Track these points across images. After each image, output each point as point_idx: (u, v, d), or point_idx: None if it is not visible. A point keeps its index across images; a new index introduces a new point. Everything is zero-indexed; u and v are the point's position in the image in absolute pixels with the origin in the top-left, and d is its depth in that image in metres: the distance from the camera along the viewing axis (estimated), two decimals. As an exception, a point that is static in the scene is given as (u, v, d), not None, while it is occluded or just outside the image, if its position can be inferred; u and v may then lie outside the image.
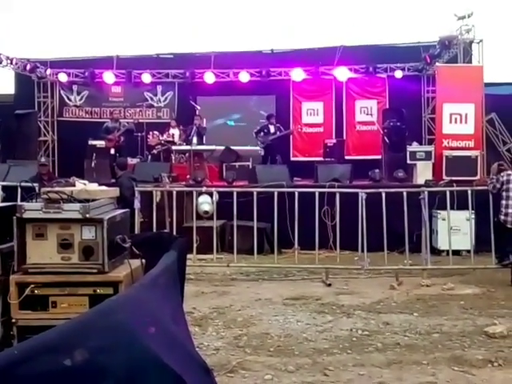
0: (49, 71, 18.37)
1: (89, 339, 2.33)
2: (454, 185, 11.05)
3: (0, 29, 21.67)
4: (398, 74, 17.33)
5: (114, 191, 4.25)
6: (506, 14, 19.61)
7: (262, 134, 16.10)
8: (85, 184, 4.09)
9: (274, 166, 15.18)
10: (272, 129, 16.01)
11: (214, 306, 7.89)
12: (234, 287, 9.19)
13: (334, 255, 10.21)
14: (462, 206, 10.44)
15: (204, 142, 15.94)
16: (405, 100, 16.83)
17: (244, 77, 17.47)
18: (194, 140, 15.32)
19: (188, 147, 15.14)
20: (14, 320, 3.52)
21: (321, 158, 15.99)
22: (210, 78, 17.58)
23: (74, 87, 19.01)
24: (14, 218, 3.55)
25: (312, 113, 18.29)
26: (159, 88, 18.84)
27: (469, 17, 14.29)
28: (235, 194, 10.12)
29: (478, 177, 12.57)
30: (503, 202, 9.26)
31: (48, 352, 2.22)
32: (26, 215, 3.56)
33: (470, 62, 15.01)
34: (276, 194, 9.98)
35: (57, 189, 3.76)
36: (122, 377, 2.44)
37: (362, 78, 17.93)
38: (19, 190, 9.96)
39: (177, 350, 2.95)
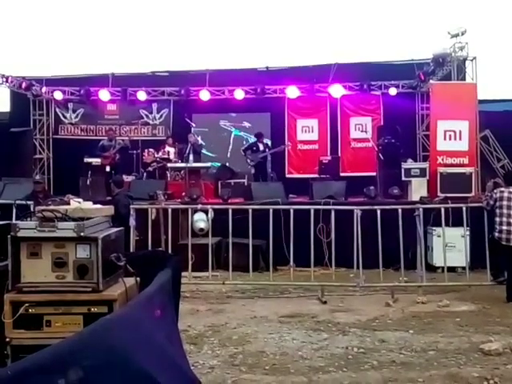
0: (44, 89, 18.39)
1: (83, 358, 2.32)
2: (449, 201, 11.07)
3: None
4: (393, 91, 17.38)
5: (109, 209, 4.24)
6: (499, 32, 19.85)
7: (249, 151, 16.08)
8: (79, 202, 4.07)
9: (270, 183, 15.18)
10: (261, 147, 16.03)
11: (209, 324, 7.85)
12: (229, 305, 9.17)
13: (330, 272, 10.17)
14: (457, 222, 10.42)
15: (201, 159, 15.98)
16: (399, 117, 16.85)
17: (239, 94, 17.50)
18: (191, 157, 15.35)
19: (183, 164, 15.17)
20: (7, 339, 3.51)
21: (316, 175, 15.97)
22: (205, 95, 17.61)
23: (70, 105, 18.99)
24: (9, 236, 3.55)
25: (307, 130, 18.30)
26: (154, 105, 18.85)
27: (462, 34, 14.37)
28: (230, 211, 10.10)
29: (472, 194, 12.56)
30: (497, 218, 9.25)
31: (42, 372, 2.21)
32: (21, 234, 3.56)
33: (463, 79, 15.08)
34: (271, 211, 9.96)
35: (51, 207, 3.76)
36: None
37: (356, 95, 17.96)
38: (14, 208, 9.96)
39: (171, 368, 2.94)
